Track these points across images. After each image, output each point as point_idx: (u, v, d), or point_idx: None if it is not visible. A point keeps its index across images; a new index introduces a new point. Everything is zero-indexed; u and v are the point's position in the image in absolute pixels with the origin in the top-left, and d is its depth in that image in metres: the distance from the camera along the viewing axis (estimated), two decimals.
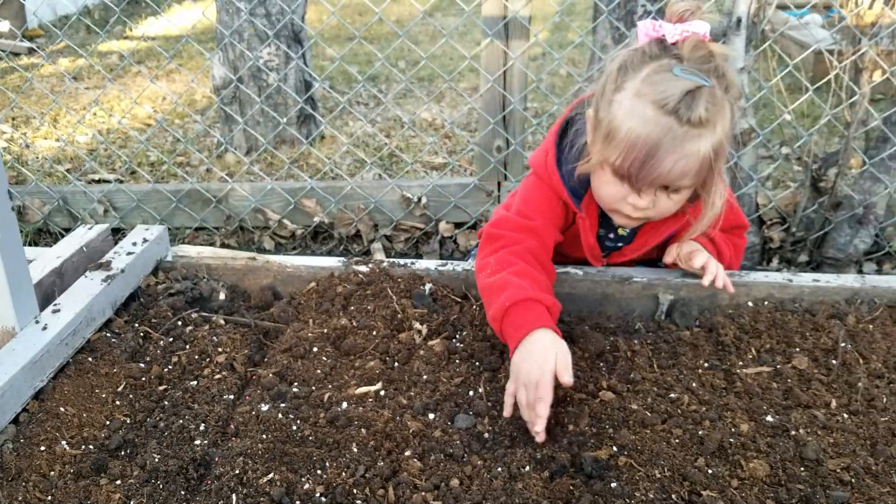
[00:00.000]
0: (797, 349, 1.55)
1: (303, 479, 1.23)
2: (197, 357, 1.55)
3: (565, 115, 1.61)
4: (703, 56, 1.37)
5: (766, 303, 1.68)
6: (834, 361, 1.51)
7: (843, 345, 1.54)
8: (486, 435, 1.35)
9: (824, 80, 2.34)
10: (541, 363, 1.34)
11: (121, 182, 3.12)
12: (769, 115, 3.84)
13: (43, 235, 2.95)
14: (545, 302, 1.45)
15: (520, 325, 1.41)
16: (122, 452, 1.33)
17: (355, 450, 1.29)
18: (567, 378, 1.32)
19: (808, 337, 1.58)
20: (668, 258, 1.69)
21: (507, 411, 1.37)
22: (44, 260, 1.69)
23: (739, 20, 2.15)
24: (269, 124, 3.55)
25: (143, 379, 1.49)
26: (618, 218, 1.55)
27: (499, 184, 2.72)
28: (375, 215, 2.81)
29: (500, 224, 1.63)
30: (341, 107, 4.15)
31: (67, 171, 3.35)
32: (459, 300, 1.71)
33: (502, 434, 1.35)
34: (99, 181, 3.23)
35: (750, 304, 1.68)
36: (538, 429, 1.30)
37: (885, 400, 1.41)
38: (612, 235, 1.72)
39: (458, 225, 2.80)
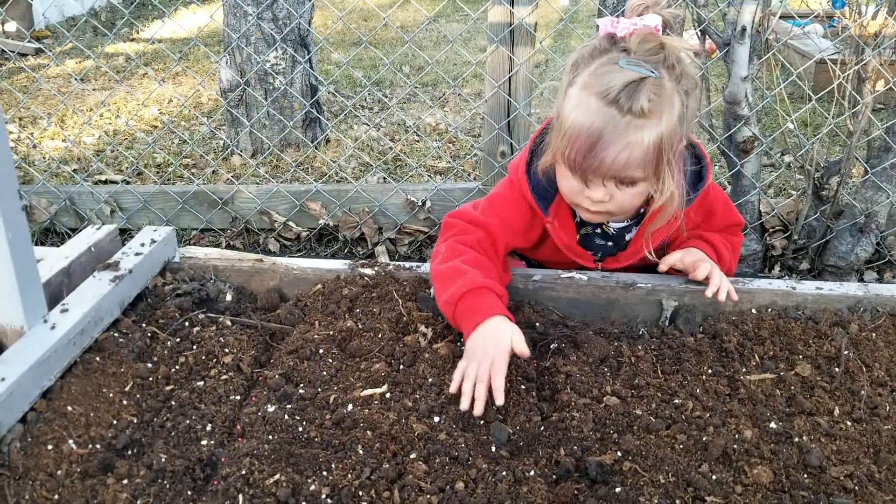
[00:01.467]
0: (800, 356, 1.56)
1: (309, 481, 1.23)
2: (204, 358, 1.56)
3: (546, 123, 1.64)
4: (652, 48, 1.41)
5: (769, 310, 1.69)
6: (837, 369, 1.52)
7: (846, 353, 1.54)
8: (492, 438, 1.35)
9: (827, 90, 2.35)
10: (497, 342, 1.42)
11: (127, 183, 3.13)
12: (771, 123, 3.86)
13: (49, 235, 2.96)
14: (496, 290, 1.52)
15: (476, 311, 1.48)
16: (129, 452, 1.34)
17: (361, 452, 1.30)
18: (524, 349, 1.42)
19: (812, 344, 1.59)
20: (664, 266, 1.70)
21: (453, 387, 1.41)
22: (52, 259, 1.70)
23: (744, 29, 2.16)
24: (275, 127, 3.57)
25: (151, 379, 1.50)
26: (581, 213, 1.60)
27: None
28: (380, 218, 2.82)
29: (457, 214, 1.72)
30: (347, 110, 4.16)
31: (74, 171, 3.36)
32: None
33: (509, 439, 1.36)
34: (106, 182, 3.25)
35: (753, 311, 1.69)
36: (499, 401, 1.37)
37: (888, 408, 1.42)
38: (598, 231, 1.73)
39: None
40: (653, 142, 1.39)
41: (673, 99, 1.40)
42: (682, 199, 1.51)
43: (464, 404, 1.38)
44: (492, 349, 1.41)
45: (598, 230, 1.73)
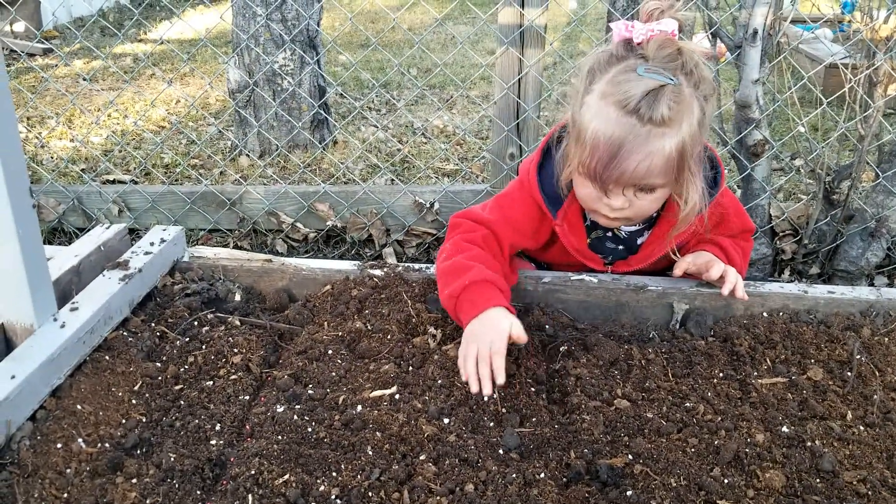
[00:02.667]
0: (812, 360, 1.55)
1: (318, 481, 1.23)
2: (213, 357, 1.56)
3: (561, 123, 1.62)
4: (670, 54, 1.40)
5: (781, 314, 1.68)
6: (849, 373, 1.51)
7: (858, 357, 1.53)
8: (501, 440, 1.34)
9: (837, 94, 2.34)
10: (495, 326, 1.44)
11: (135, 183, 3.13)
12: (781, 127, 3.85)
13: (57, 234, 2.96)
14: (499, 285, 1.54)
15: (476, 303, 1.49)
16: (138, 451, 1.33)
17: (370, 453, 1.29)
18: (522, 334, 1.44)
19: (823, 348, 1.58)
20: (678, 270, 1.69)
21: (464, 376, 1.42)
22: (61, 258, 1.70)
23: (755, 32, 2.16)
24: (283, 128, 3.57)
25: (160, 378, 1.50)
26: (598, 219, 1.58)
27: None
28: (387, 220, 2.81)
29: (463, 214, 1.73)
30: (356, 111, 4.16)
31: (82, 171, 3.37)
32: None
33: (519, 441, 1.35)
34: (114, 182, 3.25)
35: (765, 314, 1.68)
36: (500, 380, 1.39)
37: None
38: (609, 234, 1.73)
39: None
40: (674, 149, 1.38)
41: (692, 105, 1.39)
42: (703, 203, 1.50)
43: (473, 387, 1.40)
44: (490, 332, 1.42)
45: (610, 234, 1.72)
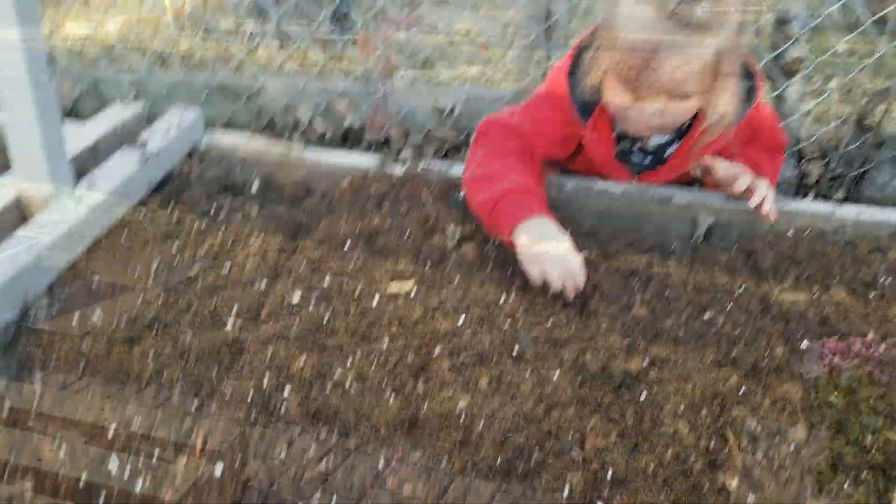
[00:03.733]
0: (836, 279, 1.52)
1: (334, 367, 1.23)
2: (230, 243, 1.55)
3: (593, 28, 1.55)
4: None
5: (807, 232, 1.65)
6: (872, 294, 1.49)
7: (882, 279, 1.51)
8: (517, 339, 1.34)
9: (879, 16, 2.25)
10: (564, 248, 1.39)
11: (152, 71, 3.07)
12: (816, 49, 3.72)
13: (72, 119, 2.92)
14: (540, 195, 1.48)
15: (523, 207, 1.42)
16: (154, 329, 1.33)
17: (386, 342, 1.29)
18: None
19: (848, 269, 1.55)
20: (712, 166, 1.62)
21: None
22: (78, 136, 1.67)
23: None
24: (302, 21, 3.47)
25: (177, 260, 1.49)
26: (629, 126, 1.53)
27: None
28: (406, 123, 2.76)
29: (493, 121, 1.64)
30: (377, 9, 4.04)
31: (98, 56, 3.30)
32: None
33: (534, 341, 1.35)
34: (129, 68, 3.19)
35: (791, 232, 1.65)
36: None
37: None
38: (636, 148, 1.68)
39: None
40: (711, 55, 1.32)
41: (731, 9, 1.33)
42: (736, 115, 1.45)
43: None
44: (562, 258, 1.37)
45: (638, 145, 1.67)
